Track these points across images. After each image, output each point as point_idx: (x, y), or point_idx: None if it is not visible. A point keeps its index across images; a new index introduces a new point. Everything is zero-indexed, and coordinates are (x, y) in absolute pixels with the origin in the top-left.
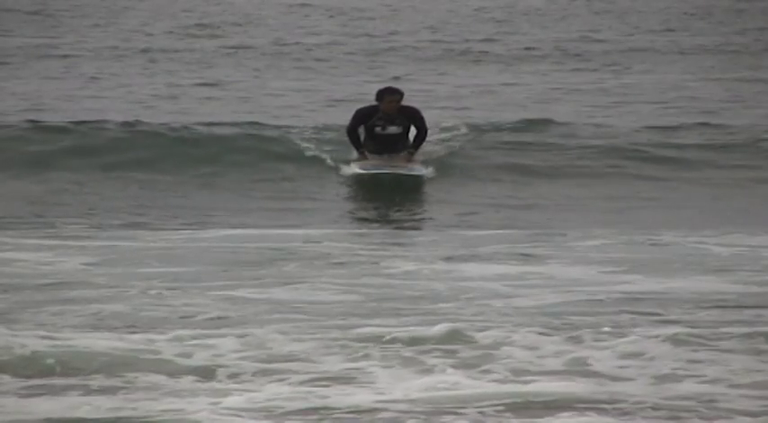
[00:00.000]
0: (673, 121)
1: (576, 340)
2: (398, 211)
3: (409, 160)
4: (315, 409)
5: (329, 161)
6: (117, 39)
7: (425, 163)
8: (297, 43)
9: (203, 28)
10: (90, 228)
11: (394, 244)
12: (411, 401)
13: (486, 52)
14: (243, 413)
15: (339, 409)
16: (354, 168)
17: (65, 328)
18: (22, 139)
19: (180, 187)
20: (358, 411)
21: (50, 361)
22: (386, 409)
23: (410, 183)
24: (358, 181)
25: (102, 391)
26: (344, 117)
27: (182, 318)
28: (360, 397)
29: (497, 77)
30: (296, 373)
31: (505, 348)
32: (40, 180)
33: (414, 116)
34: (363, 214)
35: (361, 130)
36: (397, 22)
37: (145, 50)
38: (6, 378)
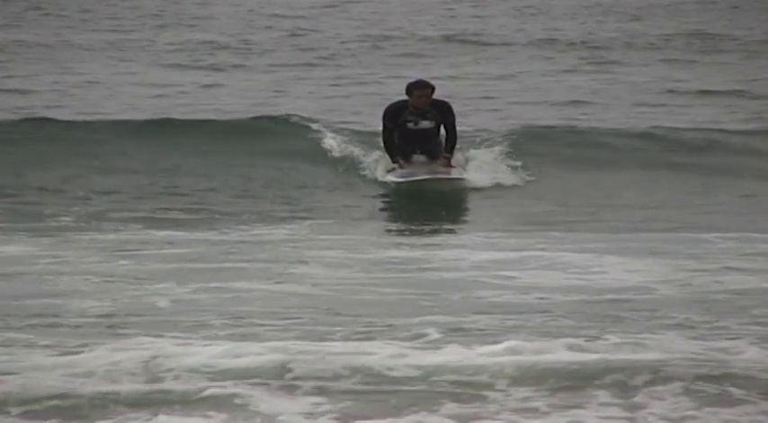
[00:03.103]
0: None
1: None
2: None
3: (446, 165)
4: None
5: (367, 172)
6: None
7: (463, 166)
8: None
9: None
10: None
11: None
12: None
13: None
14: None
15: None
16: (390, 178)
17: None
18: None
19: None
20: None
21: None
22: None
23: (455, 188)
24: (401, 192)
25: None
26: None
27: None
28: None
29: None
30: None
31: None
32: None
33: (445, 111)
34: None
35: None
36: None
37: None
38: None
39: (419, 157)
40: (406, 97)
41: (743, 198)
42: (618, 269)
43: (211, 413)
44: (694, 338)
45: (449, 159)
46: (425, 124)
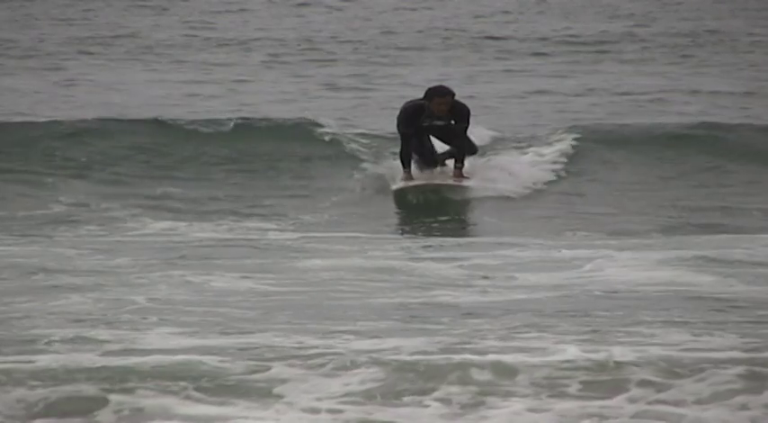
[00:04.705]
0: None
1: None
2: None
3: (458, 176)
4: None
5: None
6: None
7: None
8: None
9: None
10: None
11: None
12: None
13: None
14: None
15: None
16: (397, 186)
17: None
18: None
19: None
20: None
21: None
22: None
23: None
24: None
25: None
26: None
27: None
28: None
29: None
30: None
31: None
32: None
33: (462, 116)
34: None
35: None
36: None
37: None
38: None
39: (429, 171)
40: (419, 98)
41: None
42: None
43: None
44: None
45: (460, 169)
46: (439, 123)
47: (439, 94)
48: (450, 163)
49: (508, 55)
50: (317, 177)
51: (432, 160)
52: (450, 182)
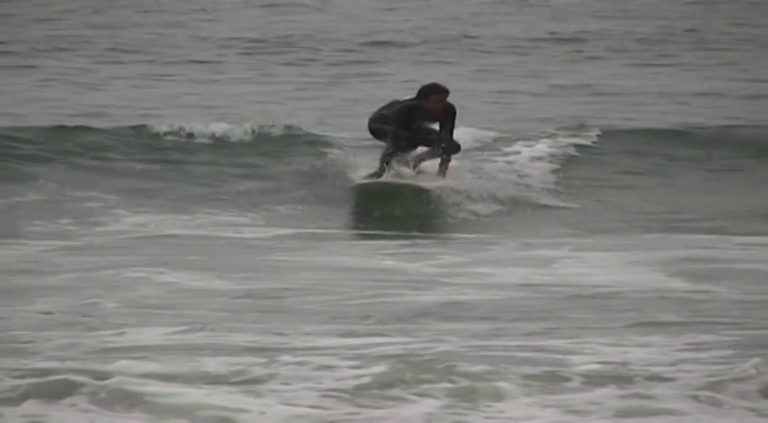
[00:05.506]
0: None
1: None
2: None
3: (443, 172)
4: None
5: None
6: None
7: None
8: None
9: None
10: None
11: None
12: None
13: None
14: None
15: None
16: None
17: None
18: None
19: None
20: None
21: None
22: None
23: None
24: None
25: None
26: None
27: None
28: None
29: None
30: None
31: None
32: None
33: (448, 114)
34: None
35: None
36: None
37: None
38: None
39: (406, 170)
40: (411, 98)
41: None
42: None
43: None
44: None
45: (446, 167)
46: (428, 124)
47: (436, 91)
48: (430, 164)
49: (484, 54)
50: (287, 174)
51: (406, 161)
52: (422, 185)
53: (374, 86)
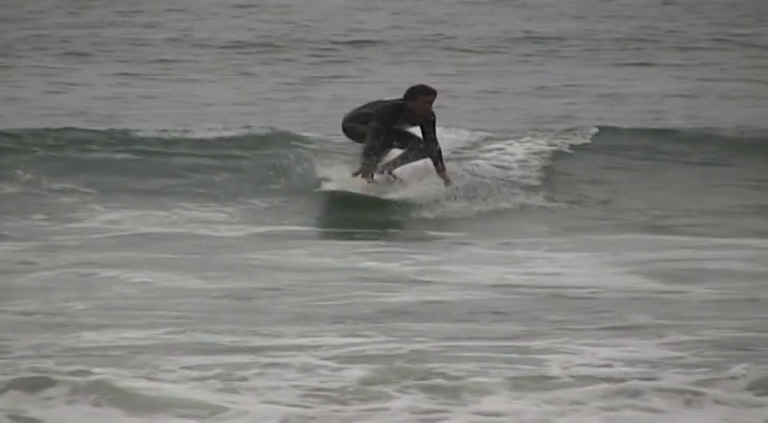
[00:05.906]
0: None
1: None
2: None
3: (442, 172)
4: None
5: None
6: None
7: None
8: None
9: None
10: None
11: None
12: None
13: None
14: None
15: None
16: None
17: None
18: None
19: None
20: None
21: None
22: None
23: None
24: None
25: None
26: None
27: None
28: None
29: None
30: None
31: None
32: None
33: (431, 118)
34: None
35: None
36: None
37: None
38: None
39: (385, 176)
40: (399, 98)
41: None
42: None
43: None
44: None
45: (443, 170)
46: (407, 127)
47: (425, 92)
48: (406, 170)
49: (462, 54)
50: (263, 173)
51: (377, 164)
52: (393, 197)
53: (350, 86)
